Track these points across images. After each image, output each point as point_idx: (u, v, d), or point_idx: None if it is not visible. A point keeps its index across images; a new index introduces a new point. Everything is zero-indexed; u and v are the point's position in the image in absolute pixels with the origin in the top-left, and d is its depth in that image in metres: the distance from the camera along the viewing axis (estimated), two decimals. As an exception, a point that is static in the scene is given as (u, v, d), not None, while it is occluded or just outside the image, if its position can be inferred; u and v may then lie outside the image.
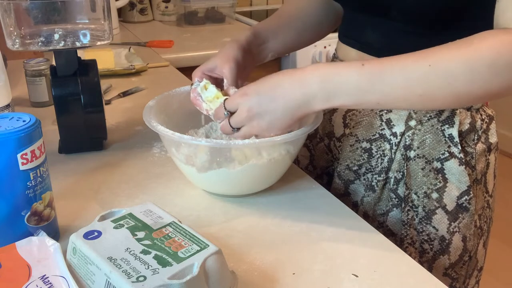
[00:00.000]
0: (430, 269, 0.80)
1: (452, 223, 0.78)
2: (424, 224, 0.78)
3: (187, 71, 1.47)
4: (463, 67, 0.59)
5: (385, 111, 0.80)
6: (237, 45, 0.79)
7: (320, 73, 0.64)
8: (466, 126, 0.77)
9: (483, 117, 0.79)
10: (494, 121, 0.82)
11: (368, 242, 0.65)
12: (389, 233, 0.81)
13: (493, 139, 0.81)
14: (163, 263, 0.50)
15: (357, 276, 0.59)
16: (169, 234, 0.54)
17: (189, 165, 0.72)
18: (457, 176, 0.76)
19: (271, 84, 0.67)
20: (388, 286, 0.58)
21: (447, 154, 0.77)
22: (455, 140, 0.76)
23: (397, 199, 0.79)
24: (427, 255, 0.79)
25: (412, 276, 0.60)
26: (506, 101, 1.92)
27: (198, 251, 0.52)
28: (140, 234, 0.54)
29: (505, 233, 2.15)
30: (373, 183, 0.82)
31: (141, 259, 0.50)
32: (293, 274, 0.59)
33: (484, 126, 0.79)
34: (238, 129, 0.69)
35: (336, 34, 0.91)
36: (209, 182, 0.74)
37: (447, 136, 0.77)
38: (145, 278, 0.48)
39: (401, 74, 0.61)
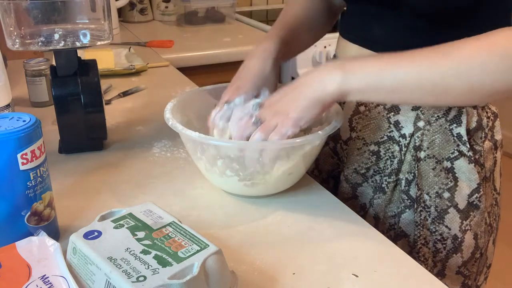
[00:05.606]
0: (443, 268, 0.80)
1: (464, 222, 0.78)
2: (437, 224, 0.78)
3: (187, 71, 1.48)
4: (477, 57, 0.59)
5: (393, 113, 0.79)
6: (272, 61, 0.79)
7: (338, 62, 0.66)
8: (473, 124, 0.77)
9: (489, 115, 0.79)
10: (498, 118, 0.82)
11: (368, 242, 0.65)
12: (402, 235, 0.80)
13: (498, 136, 0.81)
14: (163, 263, 0.50)
15: (357, 276, 0.59)
16: (169, 234, 0.54)
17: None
18: (467, 174, 0.77)
19: (292, 83, 0.69)
20: (388, 286, 0.58)
21: (456, 153, 0.77)
22: (463, 139, 0.76)
23: (409, 200, 0.79)
24: (441, 254, 0.80)
25: (412, 276, 0.60)
26: (507, 101, 1.90)
27: (198, 251, 0.52)
28: (140, 234, 0.54)
29: (510, 236, 2.12)
30: (383, 185, 0.81)
31: (141, 259, 0.50)
32: (293, 274, 0.59)
33: (490, 123, 0.80)
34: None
35: (335, 34, 0.90)
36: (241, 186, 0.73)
37: (455, 135, 0.76)
38: (145, 278, 0.48)
39: (416, 60, 0.62)
